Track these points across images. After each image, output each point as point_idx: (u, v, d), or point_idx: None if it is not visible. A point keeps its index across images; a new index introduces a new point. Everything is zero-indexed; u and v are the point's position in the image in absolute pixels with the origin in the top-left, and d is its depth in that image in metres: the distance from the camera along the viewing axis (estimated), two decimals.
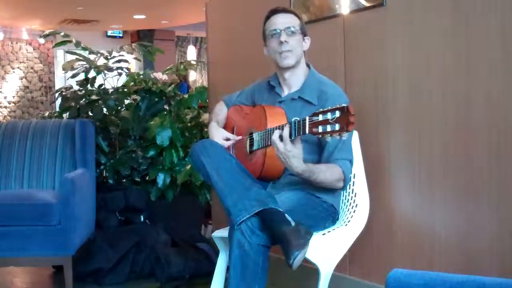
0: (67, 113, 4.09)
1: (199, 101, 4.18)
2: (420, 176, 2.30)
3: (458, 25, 2.15)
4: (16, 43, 11.35)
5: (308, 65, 2.33)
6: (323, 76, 2.33)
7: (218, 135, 2.33)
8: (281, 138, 1.91)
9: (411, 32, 2.33)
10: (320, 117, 1.77)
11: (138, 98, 4.18)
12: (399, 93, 2.38)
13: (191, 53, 12.17)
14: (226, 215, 2.00)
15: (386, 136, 2.44)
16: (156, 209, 3.97)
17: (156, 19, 10.84)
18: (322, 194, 2.17)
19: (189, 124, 4.14)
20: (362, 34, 2.55)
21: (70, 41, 4.12)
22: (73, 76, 3.99)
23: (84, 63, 3.99)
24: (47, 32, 4.63)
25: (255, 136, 2.20)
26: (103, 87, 4.09)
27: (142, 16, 10.45)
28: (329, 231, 2.17)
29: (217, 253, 2.36)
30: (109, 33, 12.44)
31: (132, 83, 4.38)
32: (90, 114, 3.93)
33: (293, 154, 1.91)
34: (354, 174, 2.31)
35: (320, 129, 1.76)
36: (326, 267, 2.07)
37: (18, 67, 11.39)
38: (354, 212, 2.28)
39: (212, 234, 2.29)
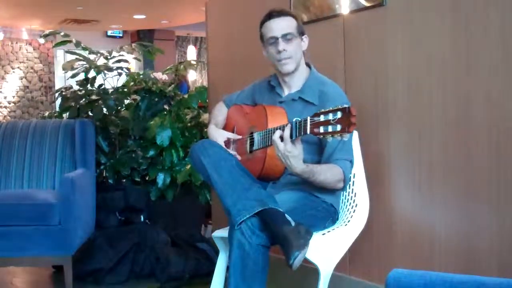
0: (67, 113, 4.08)
1: (199, 101, 4.18)
2: (420, 176, 2.30)
3: (458, 25, 2.15)
4: (16, 43, 11.34)
5: (309, 65, 2.33)
6: (324, 76, 2.32)
7: (219, 138, 2.33)
8: (281, 138, 1.91)
9: (411, 32, 2.33)
10: (322, 118, 1.77)
11: (138, 98, 4.18)
12: (399, 93, 2.38)
13: (191, 53, 12.17)
14: (226, 215, 2.00)
15: (386, 136, 2.44)
16: (156, 209, 3.97)
17: (156, 19, 10.84)
18: (322, 194, 2.17)
19: (189, 124, 4.14)
20: (362, 34, 2.54)
21: (70, 41, 4.12)
22: (73, 76, 3.98)
23: (84, 63, 3.99)
24: (47, 32, 4.63)
25: (256, 135, 2.20)
26: (103, 87, 4.09)
27: (142, 16, 10.45)
28: (329, 231, 2.17)
29: (217, 253, 2.36)
30: (109, 33, 12.43)
31: (132, 83, 4.37)
32: (90, 114, 3.93)
33: (293, 154, 1.91)
34: (354, 174, 2.31)
35: (321, 129, 1.76)
36: (326, 267, 2.07)
37: (18, 67, 11.38)
38: (354, 212, 2.28)
39: (212, 234, 2.29)
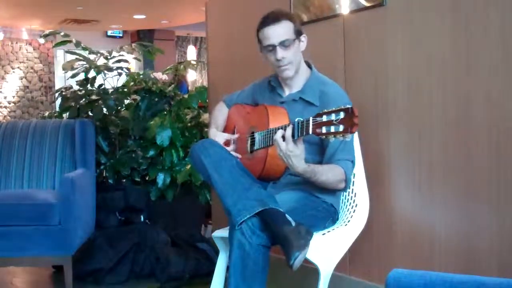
0: (67, 113, 4.08)
1: (199, 101, 4.18)
2: (420, 176, 2.30)
3: (458, 25, 2.15)
4: (16, 43, 11.34)
5: (309, 65, 2.33)
6: (325, 76, 2.32)
7: (219, 139, 2.33)
8: (283, 138, 1.91)
9: (411, 32, 2.33)
10: (324, 118, 1.76)
11: (138, 98, 4.18)
12: (399, 93, 2.38)
13: (191, 53, 12.17)
14: (226, 215, 2.00)
15: (386, 136, 2.44)
16: (156, 209, 3.97)
17: (156, 19, 10.84)
18: (322, 194, 2.17)
19: (189, 124, 4.14)
20: (362, 34, 2.54)
21: (70, 41, 4.12)
22: (73, 76, 3.98)
23: (84, 63, 3.99)
24: (47, 32, 4.63)
25: (257, 135, 2.20)
26: (103, 87, 4.09)
27: (142, 16, 10.45)
28: (329, 231, 2.17)
29: (217, 253, 2.36)
30: (109, 33, 12.44)
31: (132, 83, 4.37)
32: (90, 114, 3.93)
33: (295, 153, 1.91)
34: (354, 174, 2.31)
35: (324, 130, 1.76)
36: (326, 267, 2.07)
37: (18, 67, 11.38)
38: (354, 212, 2.28)
39: (212, 234, 2.29)
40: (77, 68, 3.97)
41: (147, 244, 3.42)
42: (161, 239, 3.48)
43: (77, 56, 4.00)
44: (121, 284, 3.27)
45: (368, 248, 2.50)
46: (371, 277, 2.51)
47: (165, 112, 4.12)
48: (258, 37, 2.24)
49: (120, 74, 4.15)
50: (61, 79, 10.63)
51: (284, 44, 2.16)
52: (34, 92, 11.53)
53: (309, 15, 2.80)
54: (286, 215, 1.91)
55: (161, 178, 3.90)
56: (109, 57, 4.13)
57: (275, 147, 1.96)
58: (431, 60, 2.25)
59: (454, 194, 2.18)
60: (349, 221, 2.26)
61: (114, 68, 4.07)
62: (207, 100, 3.91)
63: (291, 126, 1.90)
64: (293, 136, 1.89)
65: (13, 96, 11.34)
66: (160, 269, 3.25)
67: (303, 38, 2.25)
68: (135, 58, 4.82)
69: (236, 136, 2.36)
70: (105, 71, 4.03)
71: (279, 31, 2.17)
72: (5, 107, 11.25)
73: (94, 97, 3.96)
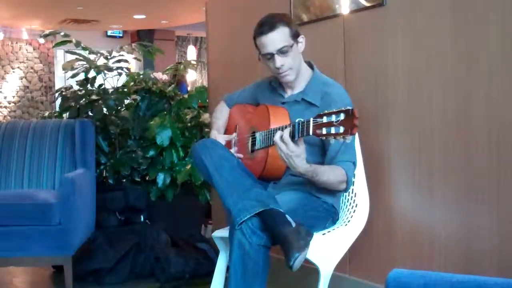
0: (67, 113, 4.09)
1: (199, 101, 4.18)
2: (420, 176, 2.30)
3: (458, 25, 2.15)
4: (16, 43, 11.35)
5: (311, 66, 2.32)
6: (327, 77, 2.31)
7: (219, 140, 2.33)
8: (284, 138, 1.91)
9: (411, 32, 2.33)
10: (324, 119, 1.76)
11: (138, 98, 4.18)
12: (399, 93, 2.38)
13: (191, 53, 12.18)
14: (227, 215, 2.00)
15: (386, 136, 2.44)
16: (156, 209, 3.97)
17: (156, 19, 10.85)
18: (323, 194, 2.17)
19: (189, 124, 4.14)
20: (362, 34, 2.54)
21: (70, 41, 4.12)
22: (73, 76, 3.98)
23: (84, 63, 3.99)
24: (47, 32, 4.62)
25: (258, 135, 2.20)
26: (103, 87, 4.09)
27: (142, 16, 10.45)
28: (329, 231, 2.17)
29: (217, 253, 2.36)
30: (109, 33, 12.44)
31: (132, 83, 4.37)
32: (90, 114, 3.93)
33: (296, 154, 1.90)
34: (354, 174, 2.31)
35: (324, 131, 1.76)
36: (326, 267, 2.07)
37: (18, 67, 11.39)
38: (354, 212, 2.28)
39: (212, 234, 2.29)
40: (77, 68, 3.97)
41: (147, 244, 3.42)
42: (161, 239, 3.48)
43: (77, 56, 4.00)
44: (121, 284, 3.27)
45: (368, 248, 2.50)
46: (371, 277, 2.51)
47: (165, 112, 4.12)
48: (256, 44, 2.22)
49: (120, 74, 4.15)
50: (61, 79, 10.64)
51: (282, 51, 2.14)
52: (34, 92, 11.54)
53: (309, 15, 2.80)
54: (287, 215, 1.91)
55: (161, 178, 3.90)
56: (109, 57, 4.14)
57: (275, 147, 1.95)
58: (431, 60, 2.25)
59: (454, 194, 2.18)
60: (349, 221, 2.26)
61: (114, 68, 4.07)
62: (207, 100, 3.91)
63: (291, 126, 1.90)
64: (293, 136, 1.89)
65: (13, 96, 11.34)
66: (160, 269, 3.25)
67: (301, 39, 2.23)
68: (135, 58, 4.82)
69: (236, 136, 2.36)
70: (105, 71, 4.03)
71: (275, 39, 2.14)
72: (5, 107, 11.26)
73: (94, 97, 3.96)
